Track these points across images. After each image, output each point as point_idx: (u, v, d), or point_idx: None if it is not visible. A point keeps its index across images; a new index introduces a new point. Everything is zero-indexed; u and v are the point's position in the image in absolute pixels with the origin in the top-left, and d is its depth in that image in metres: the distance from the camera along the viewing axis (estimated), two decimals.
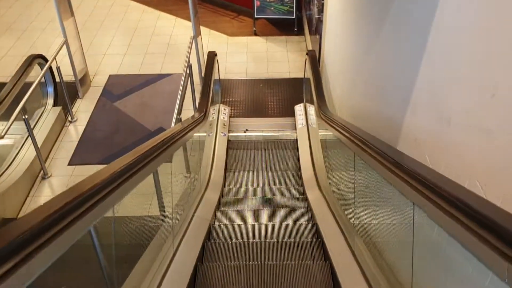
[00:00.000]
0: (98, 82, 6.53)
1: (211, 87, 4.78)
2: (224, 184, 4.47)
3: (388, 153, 1.97)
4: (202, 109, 4.28)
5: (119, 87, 6.43)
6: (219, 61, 6.93)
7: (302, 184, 4.40)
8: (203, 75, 5.32)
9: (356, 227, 2.75)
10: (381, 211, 2.50)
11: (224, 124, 5.43)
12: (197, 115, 4.13)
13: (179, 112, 4.53)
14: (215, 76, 5.63)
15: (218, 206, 3.88)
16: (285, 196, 4.11)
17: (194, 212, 3.53)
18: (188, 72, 5.49)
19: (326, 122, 3.85)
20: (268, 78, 6.64)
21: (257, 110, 6.05)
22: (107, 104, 6.11)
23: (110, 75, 6.66)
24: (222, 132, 5.28)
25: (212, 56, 5.15)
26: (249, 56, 7.17)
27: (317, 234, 3.21)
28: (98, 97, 6.22)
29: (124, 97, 6.25)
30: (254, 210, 3.73)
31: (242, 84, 6.53)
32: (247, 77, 6.69)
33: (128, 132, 5.62)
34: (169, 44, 7.38)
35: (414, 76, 2.40)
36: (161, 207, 3.22)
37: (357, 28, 3.92)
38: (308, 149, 4.99)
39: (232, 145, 5.26)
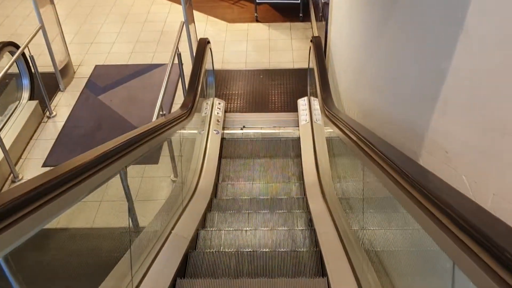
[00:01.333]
0: (83, 73, 5.95)
1: (201, 79, 4.17)
2: (214, 194, 3.88)
3: (407, 171, 1.36)
4: (187, 104, 3.68)
5: (106, 79, 5.85)
6: (216, 50, 6.31)
7: (304, 193, 3.80)
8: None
9: (367, 253, 2.15)
10: (399, 244, 1.89)
11: (218, 121, 4.83)
12: (179, 111, 3.53)
13: (162, 108, 3.93)
14: (207, 66, 5.02)
15: (203, 222, 3.29)
16: (282, 209, 3.51)
17: (172, 229, 2.95)
18: (177, 62, 4.90)
19: (330, 120, 3.24)
20: (270, 69, 6.01)
21: (256, 104, 5.43)
22: (91, 97, 5.53)
23: (96, 66, 6.08)
24: (215, 130, 4.68)
25: (203, 43, 4.53)
26: (249, 44, 6.54)
27: (321, 264, 2.59)
28: (81, 89, 5.65)
29: (110, 89, 5.67)
30: (248, 227, 3.14)
31: (241, 75, 5.91)
32: (247, 67, 6.06)
33: (112, 129, 5.04)
34: (162, 32, 6.77)
35: (445, 63, 1.77)
36: (133, 220, 2.65)
37: (368, 7, 3.27)
38: (311, 150, 4.37)
39: (226, 149, 4.66)
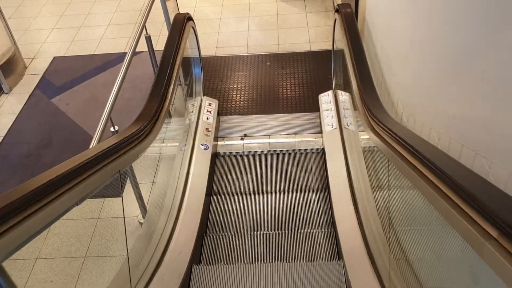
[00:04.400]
0: (37, 68, 4.58)
1: (175, 73, 2.77)
2: (197, 259, 2.50)
3: None
4: (147, 115, 2.30)
5: (65, 75, 4.48)
6: (209, 32, 4.89)
7: (340, 254, 2.40)
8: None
9: None
10: None
11: (207, 130, 3.42)
12: (132, 127, 2.14)
13: (113, 122, 2.54)
14: (190, 52, 3.61)
15: None
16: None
17: None
18: (147, 49, 3.51)
19: (385, 141, 1.82)
20: (279, 53, 4.56)
21: (262, 102, 4.01)
22: (43, 101, 4.17)
23: (54, 58, 4.70)
24: (203, 144, 3.28)
25: (179, 20, 3.10)
26: (252, 22, 5.08)
27: None
28: (32, 90, 4.29)
29: (68, 89, 4.29)
30: None
31: (241, 63, 4.48)
32: (249, 52, 4.62)
33: (65, 145, 3.69)
34: (141, 11, 5.34)
35: None
36: None
37: None
38: (344, 173, 2.96)
39: (218, 174, 3.29)
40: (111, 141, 1.83)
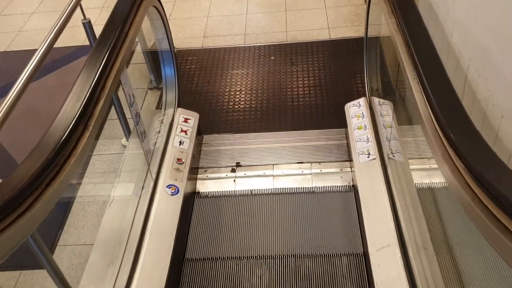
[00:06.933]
0: None
1: (109, 83, 1.62)
2: None
3: None
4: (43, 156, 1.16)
5: (2, 76, 3.37)
6: (195, 16, 3.75)
7: None
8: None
9: None
10: None
11: (179, 162, 2.26)
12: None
13: None
14: (147, 45, 2.48)
15: None
16: None
17: None
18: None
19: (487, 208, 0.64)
20: (288, 43, 3.38)
21: (263, 114, 2.84)
22: None
23: None
24: (169, 186, 2.13)
25: None
26: (252, 2, 3.89)
27: None
28: None
29: (1, 97, 3.16)
30: None
31: (236, 57, 3.31)
32: (247, 42, 3.45)
33: None
34: None
35: None
36: None
37: None
38: (393, 238, 1.81)
39: (193, 242, 2.17)
40: None
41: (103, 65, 1.58)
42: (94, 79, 1.50)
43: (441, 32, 1.90)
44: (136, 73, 3.21)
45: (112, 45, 1.72)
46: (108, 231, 2.15)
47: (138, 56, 3.23)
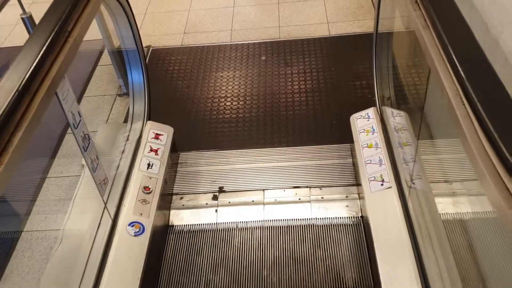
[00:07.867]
0: None
1: (39, 98, 1.16)
2: None
3: None
4: None
5: None
6: (176, 10, 3.31)
7: None
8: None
9: None
10: None
11: (146, 190, 1.82)
12: None
13: None
14: (114, 44, 2.02)
15: None
16: None
17: None
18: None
19: None
20: (281, 40, 2.93)
21: (251, 125, 2.39)
22: None
23: None
24: (132, 224, 1.69)
25: None
26: None
27: None
28: None
29: None
30: None
31: (221, 56, 2.85)
32: (234, 39, 2.99)
33: None
34: None
35: None
36: None
37: None
38: (415, 279, 1.37)
39: None
40: None
41: (26, 82, 1.13)
42: (8, 104, 1.05)
43: (482, 26, 1.45)
44: (103, 76, 2.75)
45: (44, 49, 1.27)
46: (53, 283, 1.70)
47: (107, 57, 2.77)
